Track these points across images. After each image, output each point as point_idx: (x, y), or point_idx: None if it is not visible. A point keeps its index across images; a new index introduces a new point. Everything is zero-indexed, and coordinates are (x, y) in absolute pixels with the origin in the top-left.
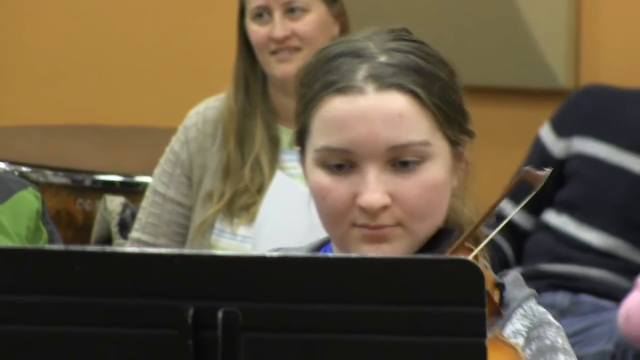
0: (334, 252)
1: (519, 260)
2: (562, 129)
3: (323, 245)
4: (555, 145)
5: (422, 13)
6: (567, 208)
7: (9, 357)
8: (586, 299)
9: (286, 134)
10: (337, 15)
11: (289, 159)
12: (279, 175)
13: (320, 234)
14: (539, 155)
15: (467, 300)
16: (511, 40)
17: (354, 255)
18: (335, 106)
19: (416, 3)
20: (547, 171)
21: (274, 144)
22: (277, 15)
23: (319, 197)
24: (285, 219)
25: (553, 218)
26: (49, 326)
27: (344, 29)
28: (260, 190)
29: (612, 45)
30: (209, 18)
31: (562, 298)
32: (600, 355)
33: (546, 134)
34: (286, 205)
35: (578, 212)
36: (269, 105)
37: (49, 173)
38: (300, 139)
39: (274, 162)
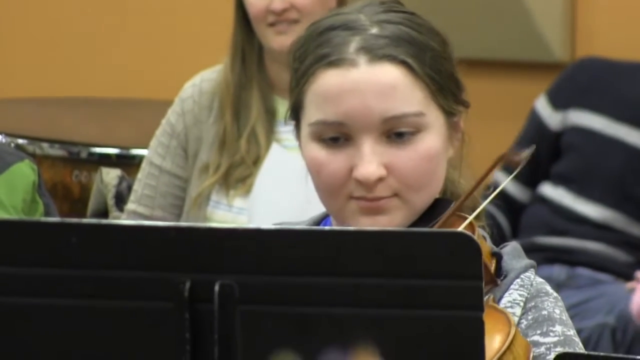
0: (333, 226)
1: (515, 233)
2: (559, 101)
3: (323, 218)
4: (552, 118)
5: None
6: (563, 180)
7: (4, 329)
8: (583, 272)
9: (282, 106)
10: None
11: (285, 130)
12: (274, 148)
13: (316, 207)
14: (535, 127)
15: (464, 273)
16: (507, 13)
17: (350, 228)
18: (328, 79)
19: None
20: (527, 152)
21: (270, 115)
22: None
23: (315, 171)
24: (281, 192)
25: (549, 190)
26: (46, 298)
27: (342, 2)
28: (257, 162)
29: (607, 19)
30: None
31: (558, 271)
32: (600, 328)
33: (542, 106)
34: (281, 178)
35: (574, 184)
36: (265, 76)
37: (45, 145)
38: (295, 114)
39: (270, 133)
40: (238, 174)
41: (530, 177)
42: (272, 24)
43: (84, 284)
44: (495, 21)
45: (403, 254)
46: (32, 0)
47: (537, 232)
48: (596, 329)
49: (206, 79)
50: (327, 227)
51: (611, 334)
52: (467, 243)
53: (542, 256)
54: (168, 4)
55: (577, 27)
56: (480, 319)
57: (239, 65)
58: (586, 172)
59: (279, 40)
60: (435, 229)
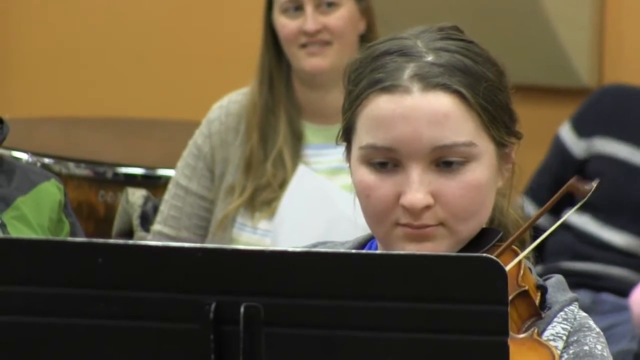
0: (379, 250)
1: (540, 258)
2: (583, 129)
3: (369, 240)
4: (576, 146)
5: (445, 11)
6: (588, 208)
7: (31, 348)
8: (607, 297)
9: (309, 130)
10: (363, 12)
11: (312, 153)
12: (301, 169)
13: (341, 227)
14: (559, 155)
15: (489, 298)
16: (535, 38)
17: (376, 252)
18: (381, 105)
19: (440, 1)
20: (594, 185)
21: (297, 139)
22: (309, 8)
23: (363, 195)
24: (306, 212)
25: (574, 217)
26: (71, 318)
27: (370, 25)
28: (283, 185)
29: (635, 44)
30: (233, 11)
31: (583, 296)
32: (623, 354)
33: (567, 133)
34: (307, 198)
35: (599, 212)
36: (293, 100)
37: (71, 165)
38: (347, 136)
39: (297, 157)
40: (264, 197)
41: (555, 204)
42: (303, 46)
43: (110, 304)
44: (523, 46)
45: (430, 278)
46: (59, 21)
47: (562, 258)
48: (619, 355)
49: (234, 101)
50: (353, 251)
51: None
52: (493, 267)
53: (567, 281)
54: (196, 25)
55: (604, 53)
56: (505, 344)
57: (266, 88)
58: (611, 200)
59: (310, 62)
60: (460, 253)
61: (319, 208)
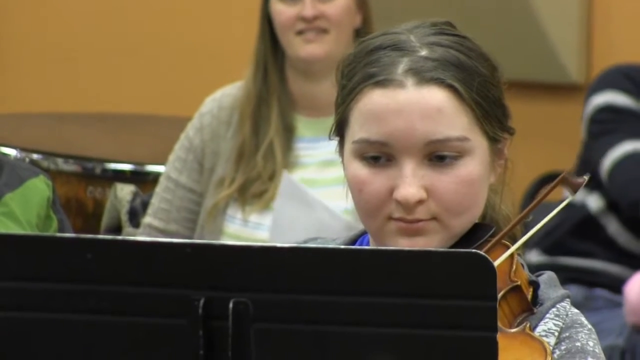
0: (371, 244)
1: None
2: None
3: (360, 236)
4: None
5: (435, 9)
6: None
7: (19, 344)
8: (601, 293)
9: (302, 122)
10: (360, 5)
11: (304, 146)
12: (285, 176)
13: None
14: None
15: (478, 294)
16: (524, 34)
17: (365, 248)
18: (374, 99)
19: None
20: (586, 179)
21: (288, 131)
22: None
23: (356, 189)
24: (295, 222)
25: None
26: (60, 314)
27: (367, 20)
28: (273, 177)
29: (623, 41)
30: (224, 6)
31: (576, 292)
32: (609, 350)
33: (623, 100)
34: (293, 207)
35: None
36: (286, 91)
37: (59, 160)
38: (340, 130)
39: (287, 150)
40: (254, 189)
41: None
42: (300, 32)
43: (99, 299)
44: (512, 43)
45: (419, 273)
46: (48, 16)
47: (559, 252)
48: (606, 350)
49: (227, 94)
50: (342, 246)
51: (620, 356)
52: (482, 263)
53: (561, 276)
54: (186, 20)
55: (593, 49)
56: (494, 340)
57: (260, 77)
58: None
59: (306, 49)
60: (450, 249)
61: (304, 218)
